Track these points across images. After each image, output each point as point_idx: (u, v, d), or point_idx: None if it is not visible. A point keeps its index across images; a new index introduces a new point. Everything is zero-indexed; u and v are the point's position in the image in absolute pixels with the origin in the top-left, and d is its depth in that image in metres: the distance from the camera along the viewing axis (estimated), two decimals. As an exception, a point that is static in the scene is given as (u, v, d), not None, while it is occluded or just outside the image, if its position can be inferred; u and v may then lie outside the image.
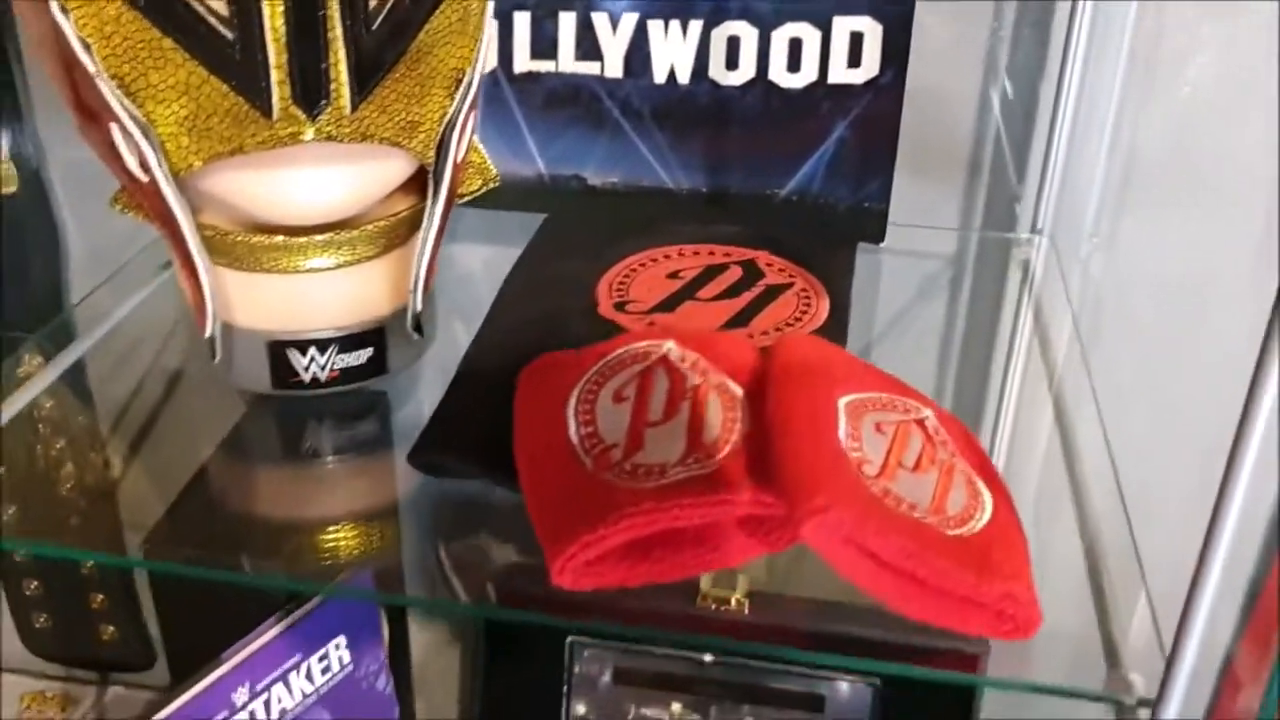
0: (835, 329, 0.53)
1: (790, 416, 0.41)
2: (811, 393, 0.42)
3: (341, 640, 0.68)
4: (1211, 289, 0.69)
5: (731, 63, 0.62)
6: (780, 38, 0.61)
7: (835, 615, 0.73)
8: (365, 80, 0.41)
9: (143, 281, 0.64)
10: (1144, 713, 0.39)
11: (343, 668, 0.68)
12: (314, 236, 0.47)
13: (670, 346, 0.46)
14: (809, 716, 0.76)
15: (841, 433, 0.41)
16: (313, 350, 0.50)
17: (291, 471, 0.54)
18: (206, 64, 0.40)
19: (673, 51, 0.63)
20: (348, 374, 0.51)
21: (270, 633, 0.64)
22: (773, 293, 0.55)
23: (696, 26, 0.62)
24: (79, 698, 0.95)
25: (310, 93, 0.40)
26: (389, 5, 0.41)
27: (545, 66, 0.63)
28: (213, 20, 0.39)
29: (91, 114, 0.43)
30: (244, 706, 0.62)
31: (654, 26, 0.62)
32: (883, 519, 0.38)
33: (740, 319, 0.53)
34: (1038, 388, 0.60)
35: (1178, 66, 0.65)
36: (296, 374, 0.50)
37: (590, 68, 0.63)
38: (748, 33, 0.62)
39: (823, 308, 0.55)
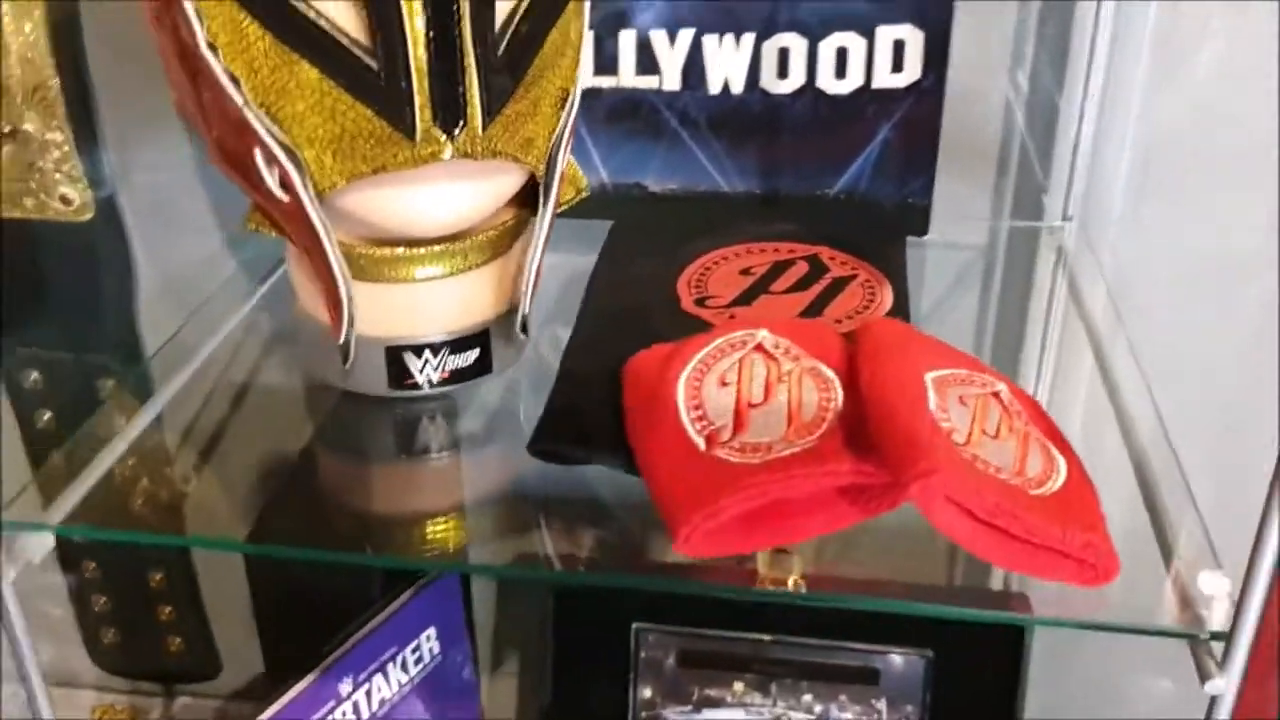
0: (900, 314, 0.58)
1: (884, 392, 0.45)
2: (900, 370, 0.46)
3: (432, 632, 0.72)
4: (1231, 264, 0.74)
5: (782, 72, 0.67)
6: (828, 47, 0.66)
7: (888, 593, 0.78)
8: (494, 102, 0.45)
9: (229, 309, 0.67)
10: (1216, 647, 0.43)
11: (433, 658, 0.72)
12: (431, 247, 0.52)
13: (764, 335, 0.50)
14: (865, 689, 0.80)
15: (931, 405, 0.45)
16: (426, 353, 0.54)
17: (392, 466, 0.58)
18: (350, 91, 0.44)
19: (727, 63, 0.67)
20: (457, 374, 0.55)
21: (369, 625, 0.68)
22: (839, 284, 0.60)
23: (749, 39, 0.66)
24: (147, 709, 0.98)
25: (449, 115, 0.44)
26: (510, 33, 0.46)
27: (607, 82, 0.68)
28: (357, 51, 0.44)
29: (231, 138, 0.47)
30: (348, 697, 0.67)
31: (709, 41, 0.67)
32: (978, 480, 0.43)
33: (814, 309, 0.58)
34: (1080, 359, 0.64)
35: (1193, 57, 0.70)
36: (411, 376, 0.54)
37: (649, 81, 0.68)
38: (797, 43, 0.66)
39: (886, 296, 0.59)
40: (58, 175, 0.80)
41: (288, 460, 0.57)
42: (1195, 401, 0.67)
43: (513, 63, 0.46)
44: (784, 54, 0.67)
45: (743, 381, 0.49)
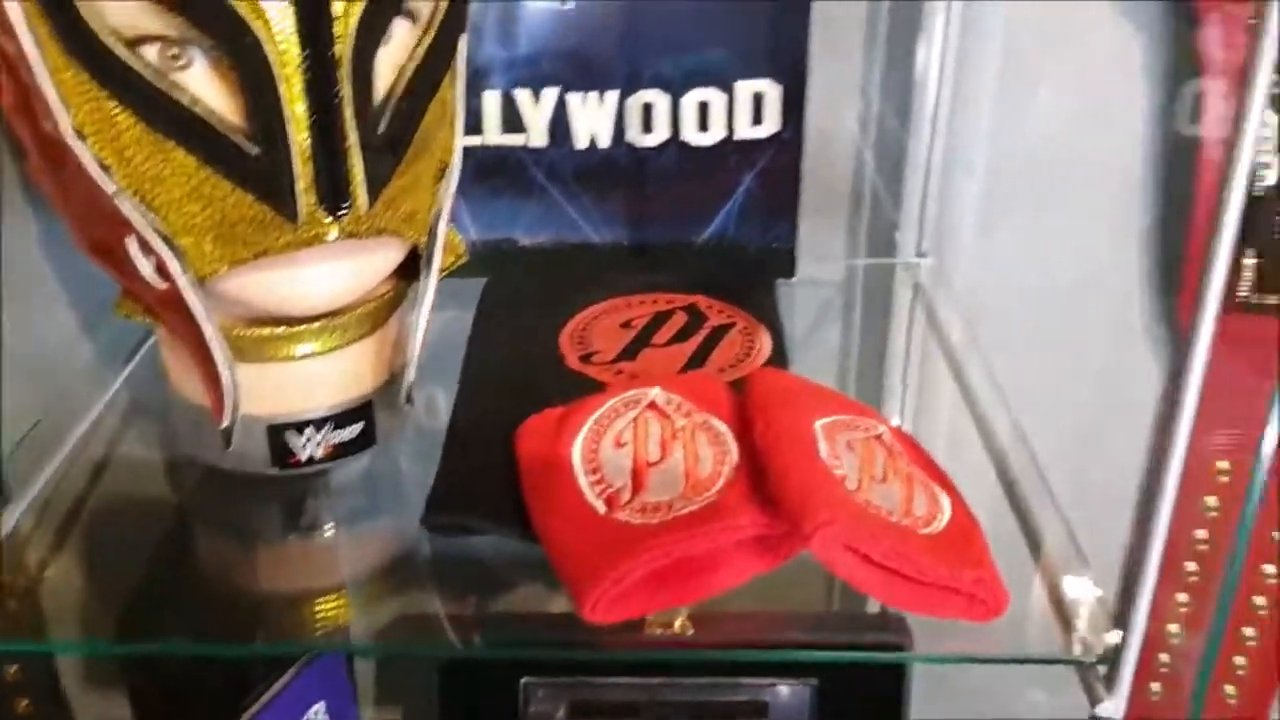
0: (779, 359, 0.60)
1: (777, 443, 0.47)
2: (791, 420, 0.48)
3: (320, 707, 0.70)
4: (1077, 288, 0.78)
5: (646, 126, 0.68)
6: (690, 101, 0.68)
7: (772, 627, 0.80)
8: (377, 181, 0.45)
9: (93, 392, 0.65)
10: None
11: (324, 731, 0.71)
12: (311, 325, 0.51)
13: (656, 393, 0.51)
14: (755, 723, 0.82)
15: (823, 453, 0.47)
16: (309, 430, 0.53)
17: (275, 547, 0.57)
18: (229, 177, 0.43)
19: (592, 119, 0.68)
20: (341, 449, 0.54)
21: (256, 707, 0.66)
22: (719, 333, 0.61)
23: (613, 96, 0.68)
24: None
25: (332, 197, 0.44)
26: (389, 111, 0.46)
27: (473, 141, 0.68)
28: (235, 137, 0.43)
29: (102, 226, 0.46)
30: (240, 779, 0.64)
31: (573, 98, 0.68)
32: (871, 525, 0.45)
33: (697, 359, 0.59)
34: (941, 386, 0.67)
35: (1032, 97, 0.74)
36: (294, 453, 0.53)
37: (515, 139, 0.68)
38: (660, 99, 0.68)
39: (765, 342, 0.61)
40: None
41: (164, 548, 0.55)
42: (1053, 418, 0.71)
43: (393, 140, 0.46)
44: (648, 109, 0.68)
45: (638, 441, 0.49)
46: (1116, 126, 0.75)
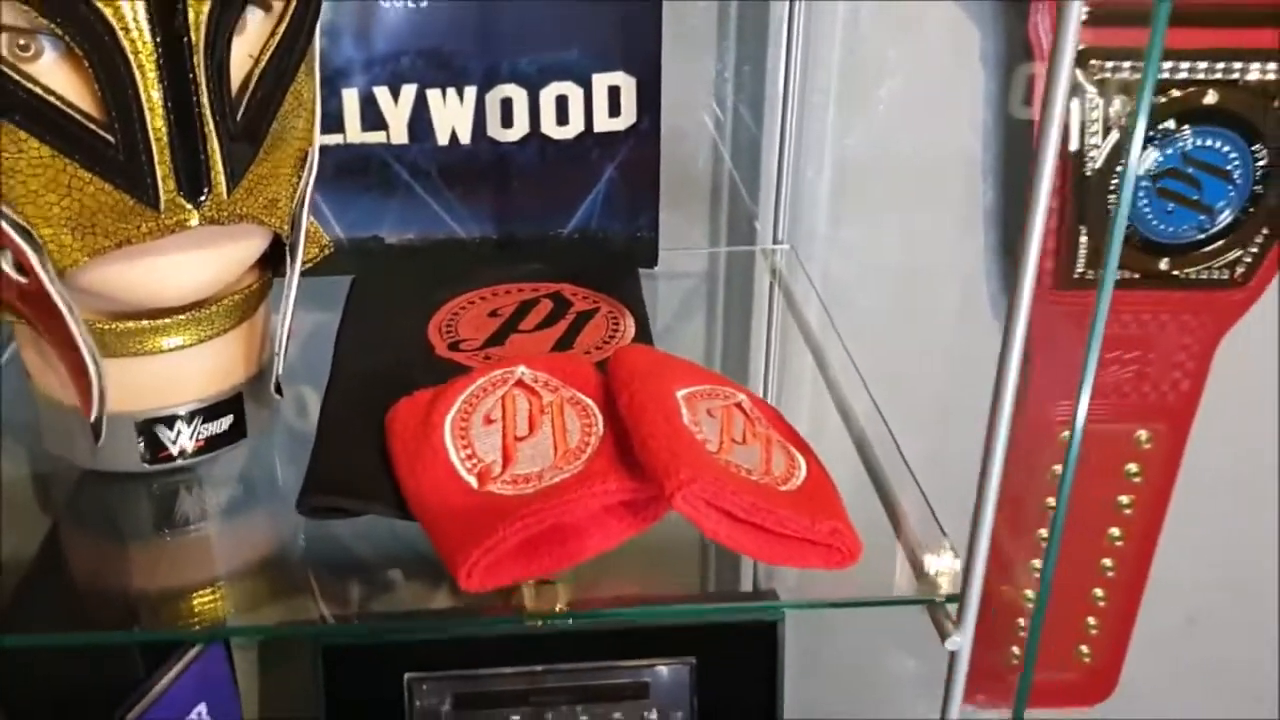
0: (644, 340, 0.62)
1: (642, 412, 0.49)
2: (654, 391, 0.50)
3: (203, 708, 0.70)
4: (924, 272, 0.83)
5: (506, 121, 0.70)
6: (548, 96, 0.69)
7: (649, 609, 0.82)
8: (236, 168, 0.45)
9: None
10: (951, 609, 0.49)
11: (205, 734, 0.70)
12: (177, 316, 0.51)
13: (523, 370, 0.53)
14: (636, 704, 0.84)
15: (685, 420, 0.49)
16: (179, 424, 0.53)
17: (148, 542, 0.57)
18: (87, 166, 0.43)
19: (452, 115, 0.70)
20: (212, 442, 0.55)
21: (139, 708, 0.65)
22: (584, 317, 0.63)
23: (471, 92, 0.69)
24: None
25: (193, 183, 0.44)
26: (246, 99, 0.46)
27: (334, 139, 0.68)
28: (92, 126, 0.43)
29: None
30: (120, 787, 0.64)
31: (433, 95, 0.69)
32: (733, 483, 0.47)
33: (563, 342, 0.61)
34: (801, 366, 0.70)
35: (874, 92, 0.78)
36: (165, 448, 0.53)
37: (377, 136, 0.69)
38: (518, 94, 0.69)
39: (629, 325, 0.63)
40: None
41: (35, 548, 0.54)
42: (909, 393, 0.74)
43: (251, 128, 0.47)
44: (507, 104, 0.70)
45: (507, 417, 0.51)
46: (956, 112, 0.80)
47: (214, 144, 0.44)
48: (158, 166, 0.44)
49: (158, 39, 0.42)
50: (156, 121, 0.43)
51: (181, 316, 0.51)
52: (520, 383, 0.52)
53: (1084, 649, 0.98)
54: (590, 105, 0.70)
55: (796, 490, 0.50)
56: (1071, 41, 0.42)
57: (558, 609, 0.83)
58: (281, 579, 0.55)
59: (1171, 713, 1.04)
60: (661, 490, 0.45)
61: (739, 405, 0.53)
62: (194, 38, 0.43)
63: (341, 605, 0.54)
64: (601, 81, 0.69)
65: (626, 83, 0.69)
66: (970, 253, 0.83)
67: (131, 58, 0.42)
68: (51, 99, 0.43)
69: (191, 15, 0.43)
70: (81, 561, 0.55)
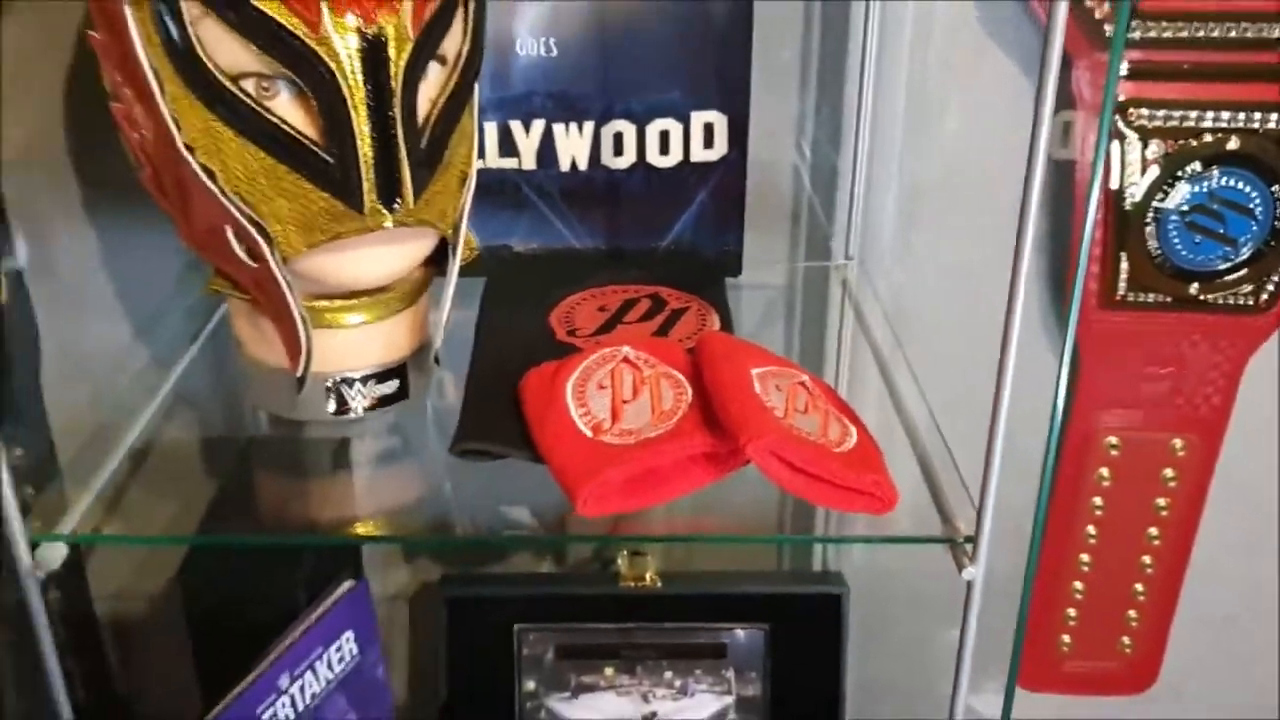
0: (726, 332, 0.74)
1: (722, 384, 0.61)
2: (732, 368, 0.62)
3: (350, 634, 0.83)
4: (978, 289, 0.94)
5: (618, 151, 0.83)
6: (653, 130, 0.82)
7: (729, 580, 0.95)
8: (419, 184, 0.59)
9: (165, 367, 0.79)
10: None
11: (352, 658, 0.84)
12: (360, 299, 0.65)
13: (628, 350, 0.66)
14: (715, 663, 0.96)
15: (757, 390, 0.61)
16: (358, 384, 0.67)
17: (334, 476, 0.71)
18: (310, 179, 0.57)
19: (573, 146, 0.83)
20: (382, 401, 0.68)
21: (298, 630, 0.79)
22: (677, 314, 0.76)
23: (589, 126, 0.82)
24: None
25: (389, 193, 0.58)
26: (427, 133, 0.60)
27: (477, 164, 0.82)
28: (315, 148, 0.57)
29: (203, 218, 0.60)
30: (285, 690, 0.78)
31: (558, 128, 0.82)
32: (795, 441, 0.59)
33: (660, 333, 0.74)
34: (867, 368, 0.82)
35: (939, 123, 0.90)
36: (347, 404, 0.67)
37: (510, 162, 0.83)
38: (628, 129, 0.82)
39: (714, 321, 0.76)
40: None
41: (234, 480, 0.69)
42: (960, 391, 0.85)
43: (431, 153, 0.60)
44: (618, 137, 0.83)
45: (615, 385, 0.64)
46: (1008, 147, 0.91)
47: (404, 165, 0.58)
48: (364, 181, 0.57)
49: (368, 86, 0.56)
50: (364, 147, 0.57)
51: (365, 299, 0.65)
52: (626, 359, 0.65)
53: (1126, 640, 1.07)
54: (688, 139, 0.83)
55: (847, 452, 0.62)
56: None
57: (648, 578, 0.96)
58: (430, 510, 0.68)
59: (1210, 703, 1.12)
60: (737, 443, 0.58)
61: (801, 383, 0.65)
62: (394, 85, 0.57)
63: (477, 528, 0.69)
64: (699, 119, 0.82)
65: (720, 120, 0.82)
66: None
67: (348, 99, 0.56)
68: (285, 127, 0.57)
69: (392, 68, 0.57)
70: (270, 490, 0.70)
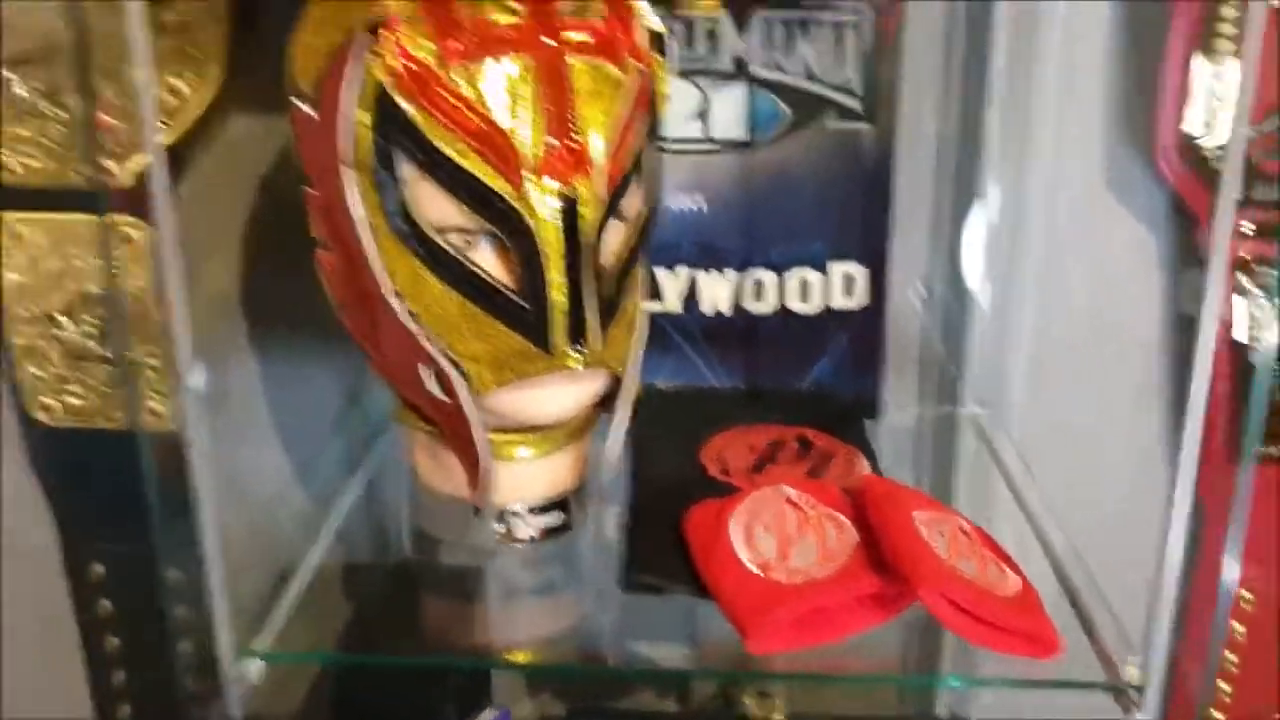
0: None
1: (889, 527, 0.63)
2: (897, 511, 0.65)
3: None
4: (1103, 432, 0.96)
5: (758, 297, 0.87)
6: (793, 279, 0.86)
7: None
8: (604, 326, 0.63)
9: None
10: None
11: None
12: (530, 434, 0.69)
13: (789, 490, 0.68)
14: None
15: (923, 534, 0.63)
16: (526, 515, 0.70)
17: (495, 605, 0.74)
18: (505, 322, 0.61)
19: (716, 292, 0.87)
20: (548, 532, 0.71)
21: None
22: (826, 457, 0.79)
23: (732, 274, 0.87)
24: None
25: (576, 337, 0.62)
26: (610, 277, 0.64)
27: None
28: (512, 295, 0.61)
29: (401, 355, 0.64)
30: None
31: (701, 275, 0.87)
32: (961, 583, 0.61)
33: (812, 475, 0.76)
34: (998, 506, 0.84)
35: (1070, 277, 0.93)
36: (514, 533, 0.70)
37: (656, 306, 0.87)
38: (769, 277, 0.86)
39: (863, 465, 0.78)
40: (150, 392, 0.94)
41: (405, 602, 0.72)
42: (1092, 529, 0.86)
43: (612, 301, 0.64)
44: (759, 284, 0.87)
45: (780, 524, 0.66)
46: (1134, 303, 0.94)
47: (592, 312, 0.62)
48: (555, 326, 0.61)
49: (563, 239, 0.61)
50: (557, 295, 0.61)
51: (535, 434, 0.69)
52: (788, 500, 0.68)
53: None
54: (828, 287, 0.86)
55: (1010, 597, 0.64)
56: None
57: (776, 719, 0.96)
58: (591, 641, 0.71)
59: None
60: (907, 586, 0.60)
61: (960, 528, 0.67)
62: (584, 241, 0.61)
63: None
64: (838, 269, 0.86)
65: (859, 271, 0.86)
66: (1145, 423, 0.96)
67: (544, 252, 0.61)
68: (485, 275, 0.62)
69: (583, 225, 0.61)
70: (438, 613, 0.72)
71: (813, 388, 0.88)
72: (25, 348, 0.94)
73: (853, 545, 0.65)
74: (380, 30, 0.58)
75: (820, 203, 0.84)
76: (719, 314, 0.87)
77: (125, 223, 0.89)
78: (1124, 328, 0.94)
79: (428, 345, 0.62)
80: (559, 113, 0.60)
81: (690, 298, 0.87)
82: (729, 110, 0.83)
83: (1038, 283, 0.93)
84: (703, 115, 0.83)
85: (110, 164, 0.87)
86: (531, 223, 0.60)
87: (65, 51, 0.84)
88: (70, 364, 0.95)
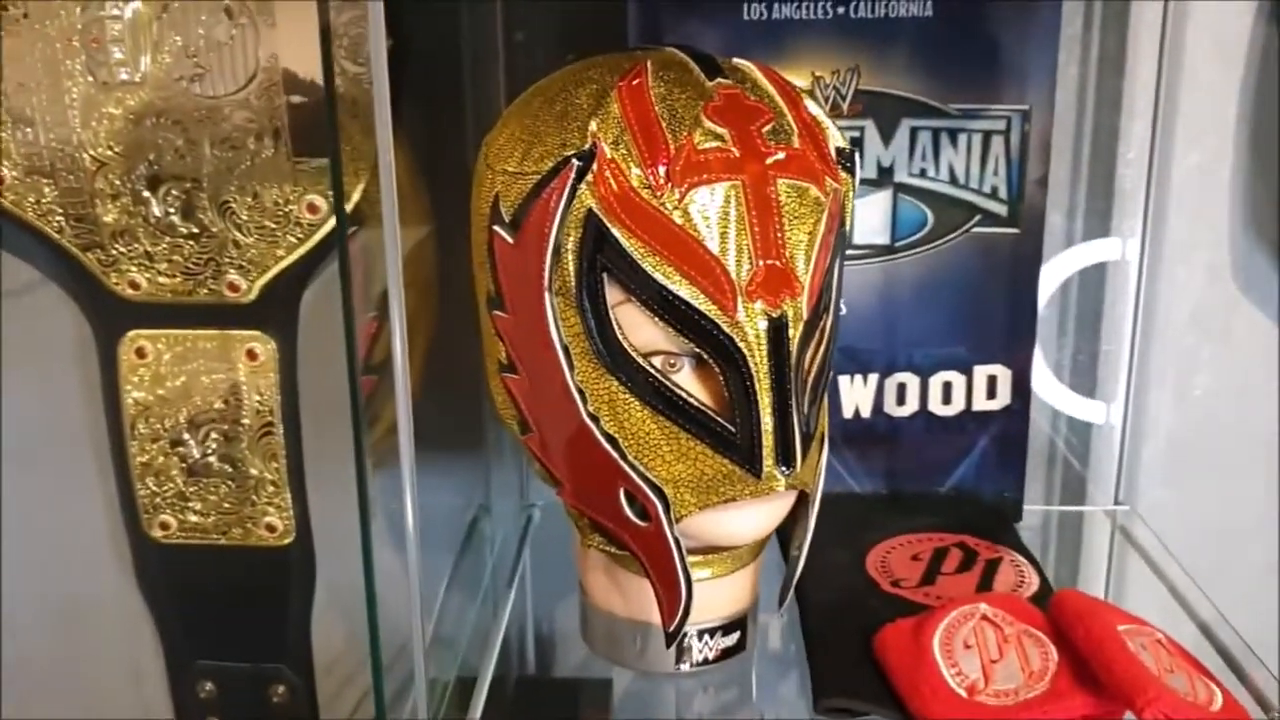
0: (1047, 587, 0.75)
1: (1100, 644, 0.62)
2: (1101, 627, 0.64)
3: None
4: (1232, 533, 0.95)
5: (900, 400, 0.87)
6: (936, 382, 0.86)
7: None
8: (805, 448, 0.62)
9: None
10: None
11: None
12: (713, 555, 0.67)
13: (984, 608, 0.67)
14: None
15: (1132, 649, 0.62)
16: (705, 636, 0.69)
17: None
18: (710, 445, 0.60)
19: (857, 395, 0.87)
20: (725, 653, 0.70)
21: None
22: (993, 565, 0.78)
23: (874, 378, 0.86)
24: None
25: (786, 460, 0.61)
26: (809, 396, 0.63)
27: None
28: (720, 419, 0.60)
29: (595, 479, 0.63)
30: None
31: (843, 379, 0.86)
32: (1181, 702, 0.60)
33: (983, 584, 0.75)
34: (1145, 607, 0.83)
35: (1192, 378, 0.93)
36: (693, 656, 0.69)
37: (796, 416, 0.86)
38: (911, 380, 0.86)
39: (1031, 573, 0.77)
40: (268, 507, 0.92)
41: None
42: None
43: (812, 420, 0.64)
44: (901, 388, 0.86)
45: (980, 644, 0.65)
46: (1261, 401, 0.94)
47: (797, 434, 0.61)
48: (764, 449, 0.61)
49: (771, 362, 0.60)
50: (765, 416, 0.60)
51: (718, 554, 0.68)
52: (985, 617, 0.67)
53: None
54: (971, 390, 0.86)
55: (1219, 712, 0.62)
56: None
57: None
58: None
59: None
60: (1131, 705, 0.59)
61: (1159, 641, 0.66)
62: (791, 362, 0.61)
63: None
64: (982, 372, 0.86)
65: (1003, 374, 0.86)
66: (1274, 522, 0.96)
67: (753, 371, 0.60)
68: (692, 399, 0.61)
69: (792, 346, 0.60)
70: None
71: (954, 491, 0.88)
72: (145, 464, 0.93)
73: (1055, 664, 0.64)
74: (592, 157, 0.58)
75: (964, 305, 0.84)
76: (860, 417, 0.87)
77: (251, 337, 0.89)
78: (1251, 424, 0.94)
79: (629, 470, 0.62)
80: (766, 234, 0.59)
81: (832, 401, 0.86)
82: (872, 216, 0.84)
83: (1165, 377, 0.93)
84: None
85: (238, 279, 0.87)
86: (743, 347, 0.60)
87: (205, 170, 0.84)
88: (190, 481, 0.94)
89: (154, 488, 0.94)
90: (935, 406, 0.86)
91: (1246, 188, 0.91)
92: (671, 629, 0.64)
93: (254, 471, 0.92)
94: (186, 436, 0.92)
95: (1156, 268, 0.90)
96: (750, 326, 0.60)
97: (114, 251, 0.87)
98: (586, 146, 0.59)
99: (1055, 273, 0.90)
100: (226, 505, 0.93)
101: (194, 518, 0.94)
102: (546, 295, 0.60)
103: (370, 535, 0.65)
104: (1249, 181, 0.91)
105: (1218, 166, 0.91)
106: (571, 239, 0.60)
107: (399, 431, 0.63)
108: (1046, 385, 0.93)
